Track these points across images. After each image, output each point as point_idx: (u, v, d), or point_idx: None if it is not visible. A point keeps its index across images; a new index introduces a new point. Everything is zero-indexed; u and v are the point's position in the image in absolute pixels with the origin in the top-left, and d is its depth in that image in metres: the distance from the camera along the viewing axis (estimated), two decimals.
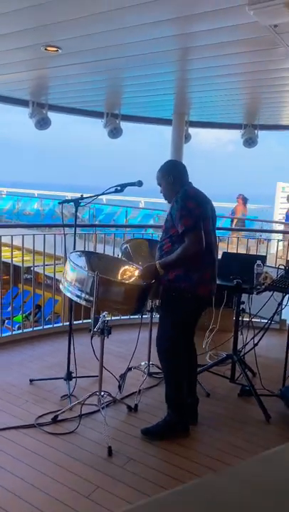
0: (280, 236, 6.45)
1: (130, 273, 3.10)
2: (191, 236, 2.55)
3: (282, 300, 3.31)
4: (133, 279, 2.97)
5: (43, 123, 4.79)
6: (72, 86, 4.30)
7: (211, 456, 2.61)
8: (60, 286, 2.87)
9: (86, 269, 2.90)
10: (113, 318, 4.74)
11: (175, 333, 2.74)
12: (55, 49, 3.07)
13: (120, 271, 3.14)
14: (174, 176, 2.76)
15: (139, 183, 2.98)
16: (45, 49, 3.07)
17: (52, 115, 4.96)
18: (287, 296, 3.25)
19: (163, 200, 2.96)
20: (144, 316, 3.45)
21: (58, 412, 2.89)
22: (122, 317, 4.75)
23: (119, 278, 3.06)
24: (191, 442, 2.73)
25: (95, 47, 3.08)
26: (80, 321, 4.65)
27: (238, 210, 10.61)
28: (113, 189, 3.03)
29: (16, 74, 3.90)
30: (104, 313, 2.86)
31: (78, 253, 3.12)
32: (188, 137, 5.33)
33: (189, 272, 2.62)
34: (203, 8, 2.38)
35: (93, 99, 4.89)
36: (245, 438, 2.81)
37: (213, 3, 2.30)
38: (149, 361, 3.58)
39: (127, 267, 3.15)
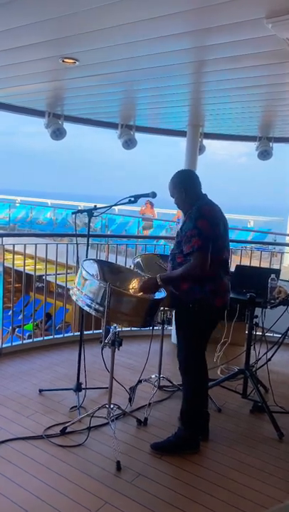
0: None
1: None
2: (198, 257, 2.52)
3: None
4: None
5: (58, 133, 4.83)
6: (87, 97, 4.33)
7: (221, 473, 2.55)
8: (70, 292, 2.86)
9: (98, 278, 2.89)
10: (124, 329, 4.71)
11: (194, 346, 2.71)
12: (73, 61, 3.09)
13: (132, 282, 3.12)
14: (185, 188, 2.70)
15: (153, 194, 2.96)
16: (63, 61, 3.10)
17: (67, 125, 5.00)
18: None
19: (175, 211, 2.96)
20: (155, 328, 3.41)
21: (67, 424, 2.86)
22: (133, 328, 4.71)
23: (130, 289, 3.04)
24: (201, 459, 2.68)
25: (111, 59, 3.09)
26: (91, 331, 4.64)
27: (144, 212, 12.35)
28: (127, 200, 3.03)
29: (33, 85, 3.94)
30: (115, 325, 2.84)
31: (91, 261, 3.11)
32: (202, 149, 5.31)
33: (204, 283, 2.59)
34: (221, 21, 2.37)
35: (108, 110, 4.92)
36: (257, 456, 2.74)
37: (231, 16, 2.29)
38: (159, 374, 3.54)
39: (138, 278, 3.13)
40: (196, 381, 2.74)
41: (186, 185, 2.71)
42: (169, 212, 14.20)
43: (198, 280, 2.59)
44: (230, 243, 2.85)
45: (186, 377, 2.76)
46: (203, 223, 2.54)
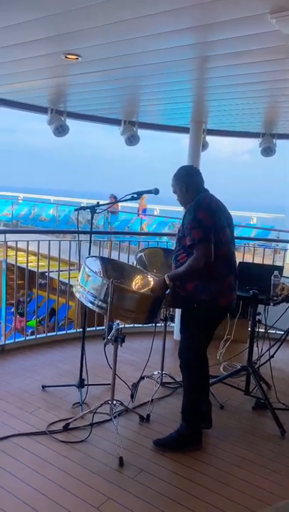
0: None
1: (144, 282, 3.08)
2: (200, 248, 2.49)
3: None
4: (146, 289, 2.95)
5: (61, 130, 4.82)
6: (90, 93, 4.32)
7: (223, 470, 2.55)
8: (73, 289, 2.86)
9: (101, 275, 2.89)
10: (127, 326, 4.71)
11: (196, 344, 2.70)
12: (75, 57, 3.08)
13: (134, 279, 3.12)
14: (186, 183, 2.70)
15: (156, 191, 2.96)
16: (66, 57, 3.09)
17: (70, 122, 4.99)
18: None
19: (178, 208, 2.95)
20: (157, 325, 3.42)
21: (70, 420, 2.87)
22: (136, 325, 4.72)
23: (133, 286, 3.04)
24: (204, 455, 2.68)
25: (114, 55, 3.08)
26: (93, 328, 4.64)
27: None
28: (129, 196, 3.03)
29: (36, 81, 3.93)
30: (118, 321, 2.84)
31: (94, 258, 3.11)
32: (205, 145, 5.29)
33: (208, 283, 2.57)
34: (225, 16, 2.36)
35: (111, 106, 4.91)
36: (259, 453, 2.75)
37: (235, 11, 2.28)
38: (162, 371, 3.54)
39: (141, 275, 3.13)
40: (196, 378, 2.75)
41: (186, 181, 2.72)
42: (172, 209, 14.18)
43: (203, 279, 2.56)
44: (235, 240, 2.82)
45: (187, 374, 2.76)
46: (203, 214, 2.53)
